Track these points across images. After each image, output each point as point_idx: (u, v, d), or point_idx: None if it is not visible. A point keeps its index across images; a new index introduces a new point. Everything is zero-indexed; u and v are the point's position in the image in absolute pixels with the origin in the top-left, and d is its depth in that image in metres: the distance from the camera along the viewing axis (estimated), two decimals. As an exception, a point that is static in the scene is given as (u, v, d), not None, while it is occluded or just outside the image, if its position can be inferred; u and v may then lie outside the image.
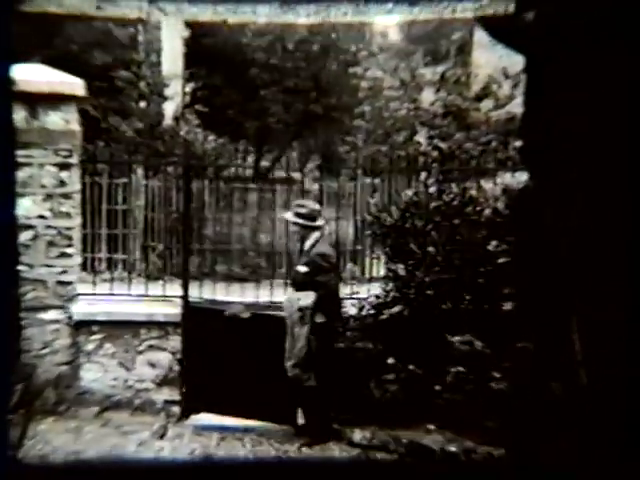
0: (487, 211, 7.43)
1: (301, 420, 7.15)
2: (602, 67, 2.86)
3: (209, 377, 7.55)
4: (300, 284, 7.00)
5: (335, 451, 6.80)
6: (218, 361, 7.50)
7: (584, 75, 2.92)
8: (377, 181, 10.06)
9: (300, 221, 7.04)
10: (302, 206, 7.19)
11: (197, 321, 7.68)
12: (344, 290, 8.01)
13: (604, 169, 2.90)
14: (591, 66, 2.89)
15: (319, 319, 6.91)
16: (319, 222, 7.14)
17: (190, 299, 7.81)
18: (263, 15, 5.28)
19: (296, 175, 9.66)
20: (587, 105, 2.93)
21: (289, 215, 7.19)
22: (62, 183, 7.77)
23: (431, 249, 7.34)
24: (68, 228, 7.83)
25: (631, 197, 2.68)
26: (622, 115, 2.87)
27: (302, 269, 6.97)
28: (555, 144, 3.07)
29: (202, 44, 15.80)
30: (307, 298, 6.89)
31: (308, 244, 7.07)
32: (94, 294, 8.33)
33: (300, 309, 6.88)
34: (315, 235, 7.07)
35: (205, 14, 5.18)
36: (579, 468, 2.69)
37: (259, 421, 7.41)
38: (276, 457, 6.69)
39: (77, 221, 8.07)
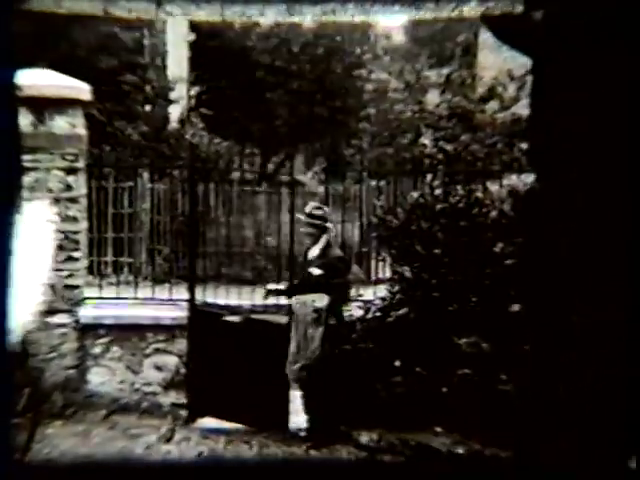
0: (493, 213, 7.43)
1: (306, 424, 7.14)
2: (609, 68, 2.86)
3: (214, 381, 7.56)
4: (312, 287, 7.02)
5: (342, 453, 6.81)
6: (223, 365, 7.51)
7: (590, 76, 2.92)
8: (383, 183, 10.07)
9: (317, 222, 7.08)
10: (318, 208, 7.26)
11: (203, 324, 7.70)
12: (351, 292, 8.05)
13: (610, 170, 2.90)
14: (597, 67, 2.89)
15: (331, 321, 6.98)
16: (329, 224, 7.22)
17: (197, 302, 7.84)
18: (270, 17, 5.30)
19: (302, 178, 9.68)
20: (593, 106, 2.93)
21: (304, 216, 7.23)
22: (68, 187, 7.80)
23: (437, 251, 7.34)
24: (75, 232, 7.86)
25: (632, 198, 2.68)
26: (631, 115, 2.87)
27: (316, 272, 7.00)
28: (561, 146, 3.07)
29: (207, 47, 15.83)
30: (322, 300, 6.94)
31: (319, 247, 7.10)
32: (101, 298, 8.35)
33: (315, 310, 6.92)
34: (324, 238, 7.11)
35: (212, 17, 5.20)
36: (579, 468, 2.69)
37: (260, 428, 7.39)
38: (283, 459, 6.70)
39: (83, 225, 8.09)
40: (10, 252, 1.98)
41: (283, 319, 7.26)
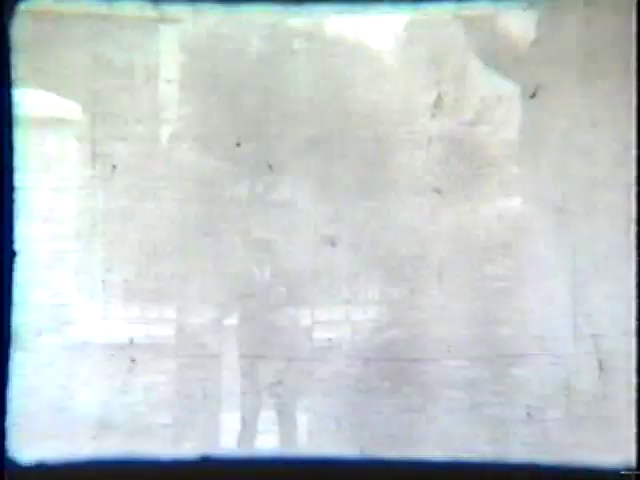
0: (482, 236, 7.48)
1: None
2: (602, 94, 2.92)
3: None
4: None
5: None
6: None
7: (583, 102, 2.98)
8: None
9: None
10: None
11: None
12: (339, 312, 8.09)
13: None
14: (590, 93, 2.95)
15: None
16: None
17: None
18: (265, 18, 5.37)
19: (291, 199, 9.69)
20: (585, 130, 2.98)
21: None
22: (58, 207, 7.80)
23: (426, 273, 7.37)
24: (64, 251, 7.85)
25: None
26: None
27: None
28: (551, 169, 3.13)
29: (198, 68, 15.90)
30: None
31: None
32: (89, 317, 8.32)
33: None
34: None
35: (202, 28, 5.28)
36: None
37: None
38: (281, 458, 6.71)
39: (73, 244, 8.08)
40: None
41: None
